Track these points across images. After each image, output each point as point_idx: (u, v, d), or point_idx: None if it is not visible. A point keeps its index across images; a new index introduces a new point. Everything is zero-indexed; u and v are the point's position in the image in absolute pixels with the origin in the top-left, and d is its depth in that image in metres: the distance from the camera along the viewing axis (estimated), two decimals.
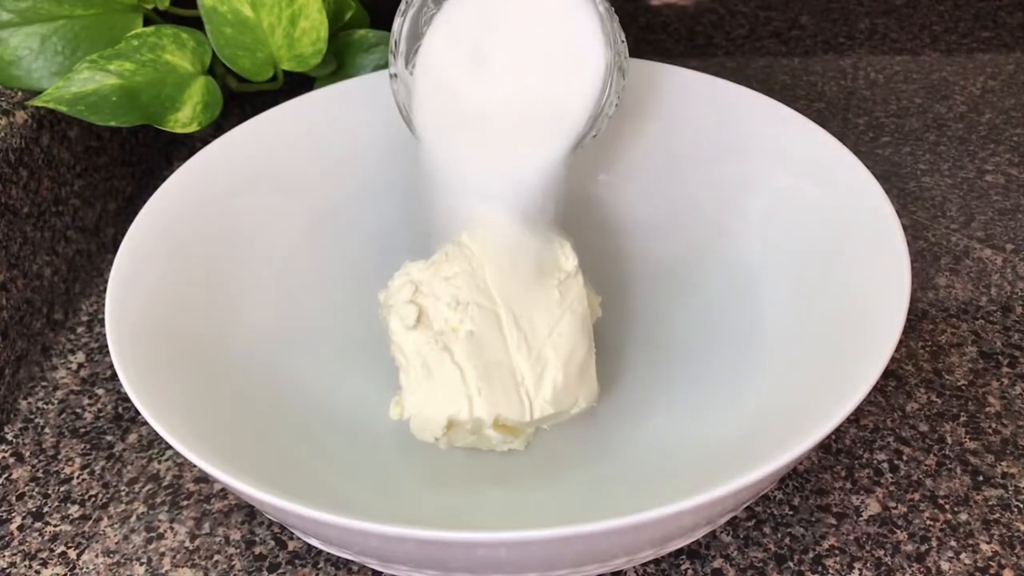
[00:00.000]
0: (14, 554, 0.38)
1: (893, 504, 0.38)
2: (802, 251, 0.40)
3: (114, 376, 0.45)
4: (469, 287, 0.36)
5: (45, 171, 0.46)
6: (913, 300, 0.37)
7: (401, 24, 0.39)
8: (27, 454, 0.42)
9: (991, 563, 0.36)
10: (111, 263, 0.37)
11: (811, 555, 0.36)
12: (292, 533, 0.37)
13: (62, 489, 0.40)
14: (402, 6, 0.39)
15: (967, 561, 0.36)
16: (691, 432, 0.38)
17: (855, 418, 0.41)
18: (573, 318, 0.37)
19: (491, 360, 0.36)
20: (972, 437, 0.40)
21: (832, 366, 0.34)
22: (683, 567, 0.36)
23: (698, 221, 0.44)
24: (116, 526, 0.38)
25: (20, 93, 0.46)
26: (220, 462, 0.30)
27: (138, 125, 0.47)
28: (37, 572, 0.37)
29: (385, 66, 0.53)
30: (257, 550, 0.37)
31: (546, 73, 0.38)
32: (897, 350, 0.40)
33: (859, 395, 0.30)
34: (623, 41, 0.38)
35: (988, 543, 0.36)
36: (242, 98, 0.56)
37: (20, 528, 0.39)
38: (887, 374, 0.43)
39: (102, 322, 0.48)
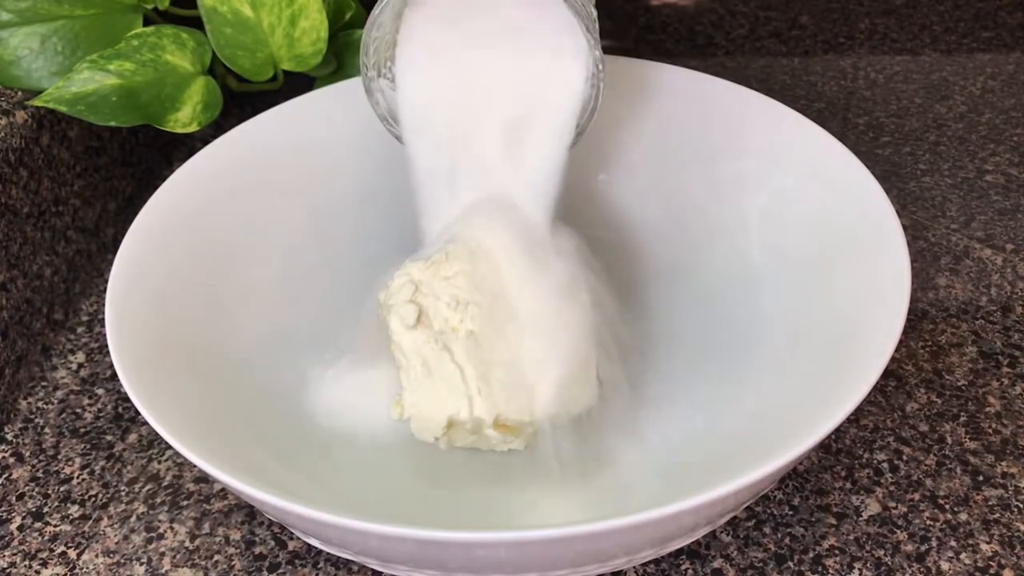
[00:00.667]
0: (14, 554, 0.38)
1: (893, 504, 0.38)
2: (802, 251, 0.40)
3: (114, 376, 0.45)
4: (469, 286, 0.36)
5: (45, 171, 0.46)
6: (913, 300, 0.37)
7: (369, 36, 0.38)
8: (27, 454, 0.42)
9: (991, 563, 0.36)
10: (111, 263, 0.37)
11: (811, 555, 0.36)
12: (292, 533, 0.37)
13: (62, 489, 0.40)
14: (370, 17, 0.37)
15: (967, 561, 0.36)
16: (691, 432, 0.38)
17: (855, 418, 0.41)
18: (574, 318, 0.37)
19: (491, 359, 0.36)
20: (972, 437, 0.40)
21: (832, 366, 0.34)
22: (683, 567, 0.36)
23: (698, 221, 0.44)
24: (116, 526, 0.38)
25: (20, 93, 0.46)
26: (220, 462, 0.30)
27: (138, 125, 0.47)
28: (37, 572, 0.37)
29: None
30: (257, 550, 0.37)
31: (530, 72, 0.38)
32: (897, 350, 0.40)
33: (859, 395, 0.30)
34: (595, 20, 0.36)
35: (988, 543, 0.36)
36: (242, 98, 0.56)
37: (20, 528, 0.39)
38: (887, 374, 0.43)
39: (102, 322, 0.48)
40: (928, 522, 0.37)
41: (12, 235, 0.44)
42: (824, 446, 0.40)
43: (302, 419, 0.39)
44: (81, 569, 0.37)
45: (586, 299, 0.38)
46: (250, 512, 0.39)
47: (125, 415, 0.43)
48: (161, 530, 0.38)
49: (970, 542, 0.36)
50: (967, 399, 0.42)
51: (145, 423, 0.41)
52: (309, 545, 0.37)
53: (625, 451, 0.38)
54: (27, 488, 0.40)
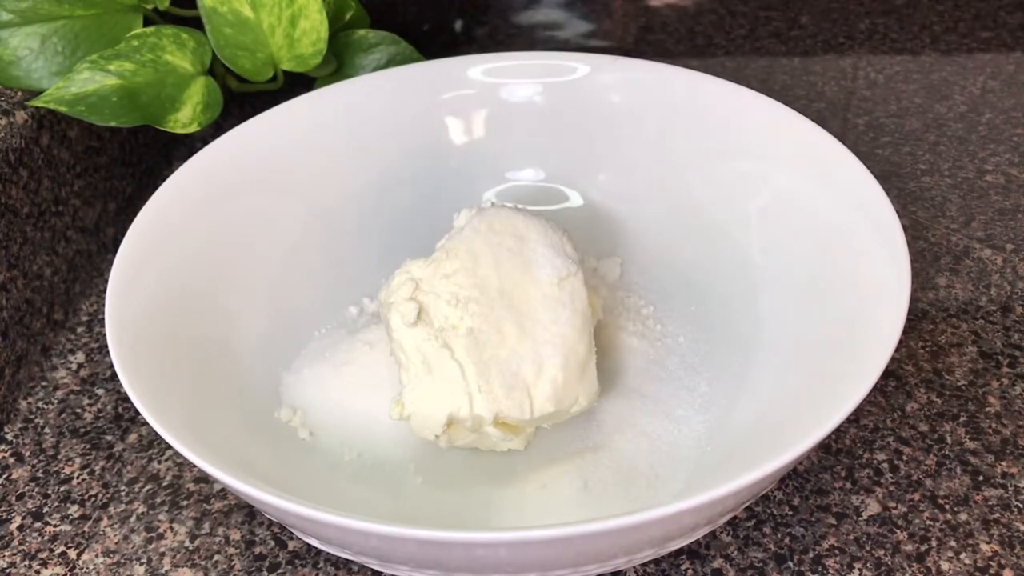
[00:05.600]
0: (14, 554, 0.38)
1: (893, 504, 0.38)
2: (802, 251, 0.40)
3: (114, 376, 0.45)
4: (469, 284, 0.36)
5: (45, 171, 0.46)
6: (913, 300, 0.37)
7: None
8: (27, 454, 0.42)
9: (991, 563, 0.36)
10: (111, 263, 0.37)
11: (811, 555, 0.36)
12: (292, 533, 0.37)
13: (62, 489, 0.40)
14: None
15: (967, 561, 0.36)
16: (691, 432, 0.38)
17: (855, 418, 0.41)
18: (574, 317, 0.37)
19: (491, 357, 0.36)
20: (972, 437, 0.40)
21: (832, 366, 0.34)
22: (683, 567, 0.36)
23: (698, 221, 0.44)
24: (116, 526, 0.38)
25: (20, 93, 0.46)
26: (220, 462, 0.30)
27: (138, 125, 0.47)
28: (37, 572, 0.37)
29: (385, 66, 0.53)
30: (257, 550, 0.37)
31: None
32: (897, 350, 0.40)
33: (859, 395, 0.30)
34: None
35: (988, 543, 0.36)
36: (242, 98, 0.56)
37: (20, 528, 0.39)
38: (887, 374, 0.43)
39: (102, 322, 0.48)
40: (928, 522, 0.37)
41: (12, 235, 0.44)
42: (824, 446, 0.40)
43: (302, 419, 0.39)
44: (81, 569, 0.37)
45: (586, 298, 0.38)
46: (250, 512, 0.39)
47: (125, 415, 0.43)
48: (161, 530, 0.38)
49: (970, 542, 0.36)
50: (967, 399, 0.42)
51: (145, 423, 0.41)
52: (309, 545, 0.37)
53: (625, 451, 0.38)
54: (27, 488, 0.40)
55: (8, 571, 0.37)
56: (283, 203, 0.44)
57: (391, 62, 0.53)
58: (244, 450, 0.35)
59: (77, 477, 0.40)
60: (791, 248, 0.40)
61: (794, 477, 0.39)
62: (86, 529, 0.38)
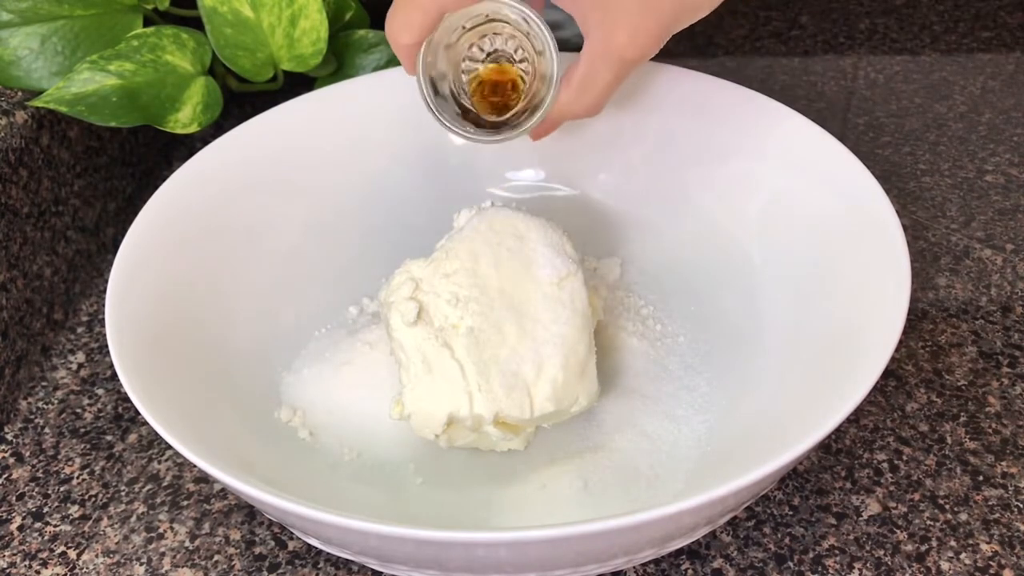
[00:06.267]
0: (14, 554, 0.38)
1: (893, 504, 0.38)
2: (802, 251, 0.40)
3: (114, 376, 0.45)
4: (469, 284, 0.36)
5: (45, 171, 0.46)
6: (913, 300, 0.37)
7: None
8: (27, 454, 0.42)
9: (991, 563, 0.36)
10: (111, 263, 0.37)
11: (811, 555, 0.36)
12: (292, 533, 0.37)
13: (62, 489, 0.40)
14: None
15: (967, 561, 0.36)
16: (691, 432, 0.38)
17: (855, 418, 0.41)
18: (574, 317, 0.37)
19: (491, 357, 0.36)
20: (972, 437, 0.40)
21: (832, 366, 0.34)
22: (683, 567, 0.36)
23: (698, 221, 0.44)
24: (116, 526, 0.38)
25: (20, 93, 0.46)
26: (220, 462, 0.30)
27: (138, 125, 0.47)
28: (37, 572, 0.37)
29: (385, 66, 0.53)
30: (257, 550, 0.37)
31: None
32: (897, 350, 0.40)
33: (859, 395, 0.30)
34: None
35: (988, 543, 0.36)
36: (242, 98, 0.56)
37: (20, 528, 0.39)
38: (887, 374, 0.43)
39: (102, 322, 0.48)
40: (928, 522, 0.37)
41: (12, 235, 0.44)
42: (824, 446, 0.40)
43: (302, 419, 0.39)
44: (81, 569, 0.37)
45: (586, 298, 0.38)
46: (250, 512, 0.39)
47: (125, 415, 0.43)
48: (161, 530, 0.38)
49: (970, 542, 0.36)
50: (967, 399, 0.42)
51: (145, 423, 0.41)
52: (309, 545, 0.37)
53: (626, 451, 0.38)
54: (27, 488, 0.40)
55: (8, 571, 0.37)
56: (283, 203, 0.44)
57: (391, 62, 0.53)
58: (244, 450, 0.35)
59: (77, 477, 0.40)
60: (791, 248, 0.40)
61: (794, 477, 0.39)
62: (86, 529, 0.38)
